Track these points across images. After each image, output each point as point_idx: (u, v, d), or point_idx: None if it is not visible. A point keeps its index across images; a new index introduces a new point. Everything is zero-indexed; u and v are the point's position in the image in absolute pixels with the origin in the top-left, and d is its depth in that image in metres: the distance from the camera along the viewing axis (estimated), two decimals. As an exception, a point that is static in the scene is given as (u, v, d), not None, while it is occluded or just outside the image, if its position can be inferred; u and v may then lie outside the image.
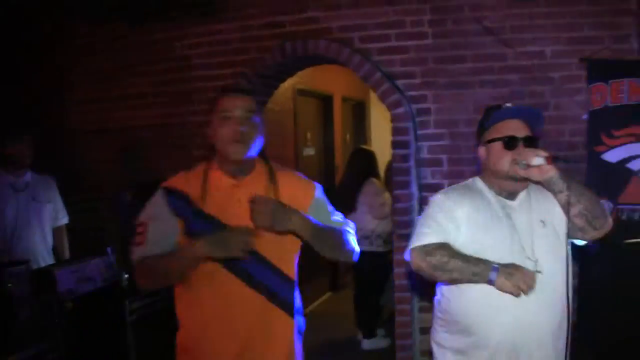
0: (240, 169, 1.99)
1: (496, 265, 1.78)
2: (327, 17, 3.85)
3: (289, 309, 2.03)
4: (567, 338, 1.94)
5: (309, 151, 6.12)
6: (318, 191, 2.09)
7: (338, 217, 2.10)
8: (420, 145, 3.69)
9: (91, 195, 4.64)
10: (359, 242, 2.18)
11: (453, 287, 1.96)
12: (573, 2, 3.53)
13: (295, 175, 2.12)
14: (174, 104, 4.35)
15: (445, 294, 2.03)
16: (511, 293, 1.77)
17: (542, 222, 1.94)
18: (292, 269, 2.06)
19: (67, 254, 4.02)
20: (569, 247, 1.97)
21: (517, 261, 1.84)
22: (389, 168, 4.54)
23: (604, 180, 3.55)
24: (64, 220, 4.02)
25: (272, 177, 2.02)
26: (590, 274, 3.00)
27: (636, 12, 3.50)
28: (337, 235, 2.02)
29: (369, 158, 4.91)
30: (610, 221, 1.94)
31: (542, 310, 1.88)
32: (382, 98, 3.74)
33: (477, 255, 1.85)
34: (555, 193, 1.88)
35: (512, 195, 1.98)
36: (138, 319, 3.36)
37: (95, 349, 3.06)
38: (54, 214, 3.93)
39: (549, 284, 1.88)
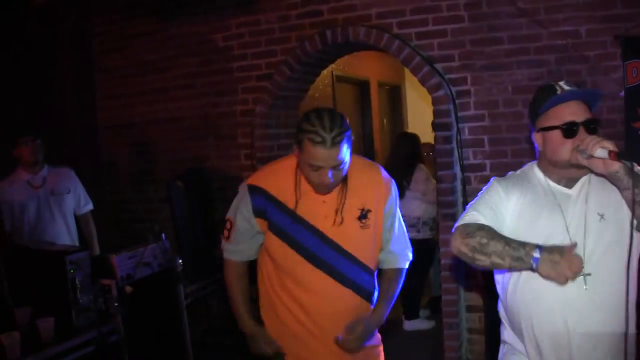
0: None
1: (537, 256, 1.57)
2: (365, 4, 3.90)
3: (369, 298, 2.17)
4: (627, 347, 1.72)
5: (349, 136, 6.17)
6: (392, 196, 2.13)
7: (399, 235, 2.22)
8: (462, 126, 3.73)
9: (143, 186, 4.80)
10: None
11: (506, 283, 1.84)
12: (604, -19, 3.60)
13: (367, 177, 2.11)
14: (218, 94, 4.47)
15: (500, 291, 1.91)
16: (556, 281, 1.56)
17: (600, 215, 1.73)
18: (372, 261, 2.15)
19: (95, 241, 4.15)
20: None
21: None
22: (432, 150, 4.54)
23: (642, 155, 3.61)
24: (87, 207, 4.19)
25: (344, 185, 2.05)
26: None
27: (670, -12, 3.57)
28: (395, 294, 2.23)
29: (414, 143, 4.82)
30: None
31: (593, 312, 1.70)
32: (422, 81, 3.78)
33: None
34: (619, 189, 1.67)
35: (570, 183, 1.78)
36: (192, 302, 3.41)
37: (152, 331, 3.21)
38: (76, 202, 4.10)
39: (604, 285, 1.70)
